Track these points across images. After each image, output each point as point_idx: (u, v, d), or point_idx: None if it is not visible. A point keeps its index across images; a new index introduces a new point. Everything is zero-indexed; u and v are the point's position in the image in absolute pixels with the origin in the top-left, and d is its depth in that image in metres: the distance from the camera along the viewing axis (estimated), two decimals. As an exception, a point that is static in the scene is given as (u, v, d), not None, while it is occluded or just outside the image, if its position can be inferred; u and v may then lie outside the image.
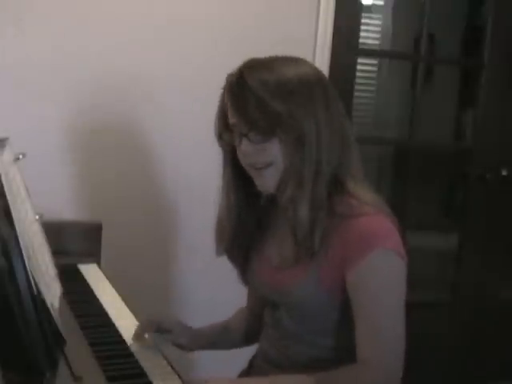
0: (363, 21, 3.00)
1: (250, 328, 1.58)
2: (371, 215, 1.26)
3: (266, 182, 1.32)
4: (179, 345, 1.48)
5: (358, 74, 2.93)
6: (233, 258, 1.46)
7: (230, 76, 1.33)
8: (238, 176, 1.38)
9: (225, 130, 1.35)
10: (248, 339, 1.59)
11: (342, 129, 1.32)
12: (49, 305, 1.18)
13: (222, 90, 1.35)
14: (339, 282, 1.26)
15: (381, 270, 1.24)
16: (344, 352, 1.27)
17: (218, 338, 1.57)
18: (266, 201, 1.40)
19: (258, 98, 1.26)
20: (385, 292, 1.24)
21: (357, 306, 1.24)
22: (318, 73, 1.34)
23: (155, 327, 1.43)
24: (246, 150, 1.30)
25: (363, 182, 1.34)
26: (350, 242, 1.24)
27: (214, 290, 2.35)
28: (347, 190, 1.30)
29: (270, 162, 1.29)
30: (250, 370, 1.53)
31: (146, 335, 1.41)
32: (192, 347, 1.52)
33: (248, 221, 1.41)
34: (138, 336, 1.41)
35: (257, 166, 1.31)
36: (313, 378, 1.21)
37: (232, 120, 1.32)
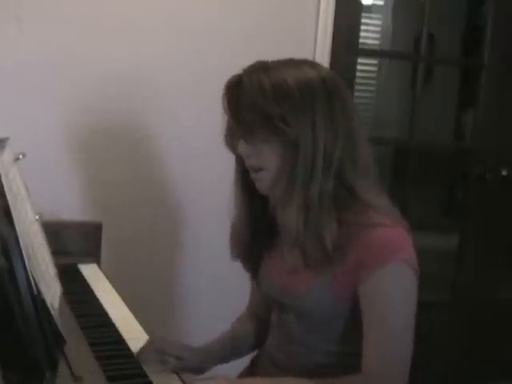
0: (363, 21, 3.01)
1: (257, 333, 1.55)
2: (388, 226, 1.26)
3: (262, 185, 1.33)
4: (190, 369, 1.41)
5: (358, 73, 2.92)
6: (246, 262, 1.46)
7: (229, 80, 1.33)
8: (245, 180, 1.37)
9: (228, 133, 1.37)
10: (257, 344, 1.56)
11: (350, 134, 1.29)
12: (49, 305, 1.18)
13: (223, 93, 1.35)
14: (350, 291, 1.25)
15: (394, 283, 1.24)
16: (350, 358, 1.27)
17: (228, 352, 1.53)
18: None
19: (251, 101, 1.26)
20: (396, 306, 1.23)
21: (367, 316, 1.24)
22: (323, 78, 1.29)
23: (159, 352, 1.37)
24: (243, 152, 1.31)
25: (375, 188, 1.33)
26: (365, 252, 1.23)
27: (215, 290, 2.35)
28: (359, 198, 1.28)
29: (262, 166, 1.30)
30: (252, 369, 1.52)
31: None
32: (203, 369, 1.47)
33: (259, 225, 1.41)
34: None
35: (253, 168, 1.32)
36: (312, 383, 1.21)
37: (230, 122, 1.33)
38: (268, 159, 1.29)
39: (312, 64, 1.35)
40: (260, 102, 1.25)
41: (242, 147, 1.31)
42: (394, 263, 1.23)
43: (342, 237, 1.25)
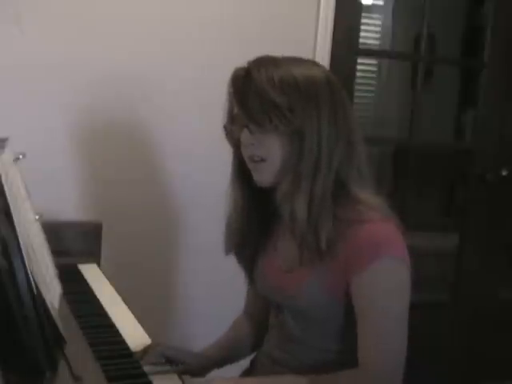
0: (363, 21, 3.00)
1: (255, 335, 1.55)
2: (379, 222, 1.26)
3: (261, 176, 1.32)
4: (192, 373, 1.41)
5: (358, 73, 2.92)
6: (240, 258, 1.46)
7: (237, 68, 1.34)
8: (243, 172, 1.37)
9: (230, 122, 1.37)
10: (255, 346, 1.56)
11: (349, 134, 1.31)
12: (49, 305, 1.18)
13: (226, 87, 1.35)
14: (344, 288, 1.26)
15: (385, 278, 1.24)
16: (348, 355, 1.27)
17: (227, 356, 1.53)
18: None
19: (259, 90, 1.27)
20: (388, 300, 1.24)
21: (360, 312, 1.25)
22: (328, 77, 1.33)
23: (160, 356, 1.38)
24: (245, 141, 1.32)
25: (369, 186, 1.33)
26: (356, 248, 1.24)
27: (215, 289, 2.35)
28: (352, 195, 1.29)
29: (264, 156, 1.30)
30: (252, 370, 1.52)
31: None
32: (204, 372, 1.47)
33: (255, 218, 1.41)
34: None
35: (254, 158, 1.32)
36: (309, 380, 1.22)
37: (235, 111, 1.34)
38: (272, 150, 1.29)
39: (317, 63, 1.40)
40: (268, 91, 1.27)
41: (246, 136, 1.31)
42: (384, 258, 1.24)
43: (333, 233, 1.26)
